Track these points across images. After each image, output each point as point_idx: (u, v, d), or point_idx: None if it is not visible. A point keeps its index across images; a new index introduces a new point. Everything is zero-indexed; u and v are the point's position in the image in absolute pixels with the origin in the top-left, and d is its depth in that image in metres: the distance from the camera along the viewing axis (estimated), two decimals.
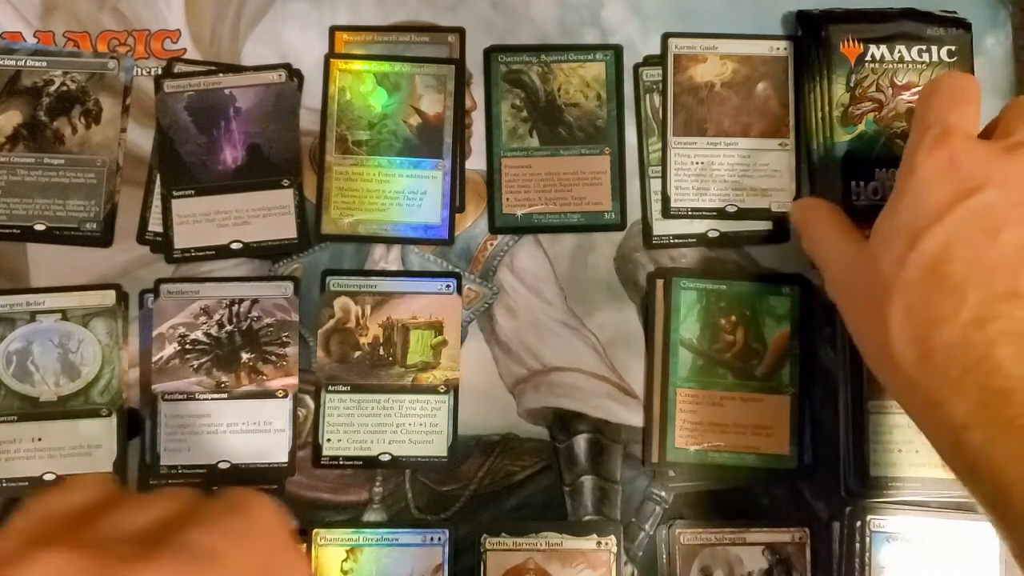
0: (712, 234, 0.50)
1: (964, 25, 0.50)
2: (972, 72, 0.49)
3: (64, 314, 0.48)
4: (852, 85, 0.49)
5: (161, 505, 0.29)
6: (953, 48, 0.49)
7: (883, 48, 0.49)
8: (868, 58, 0.49)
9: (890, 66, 0.49)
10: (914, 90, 0.49)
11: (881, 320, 0.36)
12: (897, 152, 0.48)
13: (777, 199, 0.50)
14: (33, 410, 0.48)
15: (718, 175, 0.50)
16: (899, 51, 0.49)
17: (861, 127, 0.49)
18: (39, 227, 0.49)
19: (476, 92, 0.51)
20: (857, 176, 0.48)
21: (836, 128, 0.49)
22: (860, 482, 0.47)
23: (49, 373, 0.48)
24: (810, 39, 0.50)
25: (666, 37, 0.51)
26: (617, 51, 0.51)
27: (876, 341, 0.37)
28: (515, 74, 0.51)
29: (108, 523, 0.28)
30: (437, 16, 0.51)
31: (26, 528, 0.28)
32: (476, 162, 0.51)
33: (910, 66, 0.49)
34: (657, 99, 0.51)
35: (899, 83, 0.49)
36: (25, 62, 0.50)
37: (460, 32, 0.51)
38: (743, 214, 0.50)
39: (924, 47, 0.49)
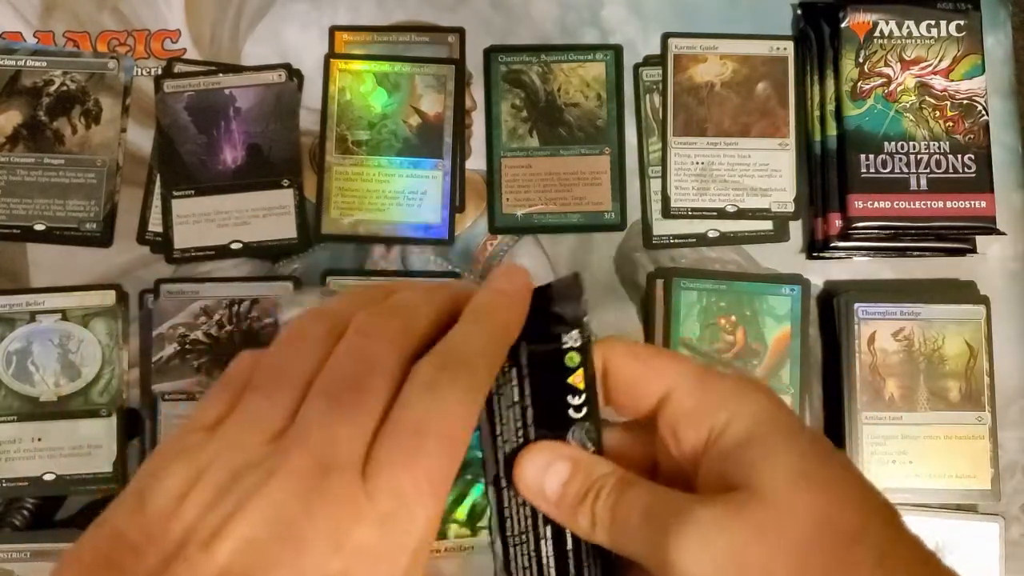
0: (712, 234, 0.50)
1: (973, 0, 0.50)
2: (982, 50, 0.49)
3: (64, 314, 0.48)
4: (861, 60, 0.49)
5: None
6: (962, 23, 0.49)
7: (892, 23, 0.49)
8: (877, 33, 0.49)
9: (898, 41, 0.49)
10: (922, 65, 0.49)
11: None
12: (906, 126, 0.48)
13: (777, 199, 0.50)
14: (33, 410, 0.47)
15: (718, 175, 0.50)
16: (908, 26, 0.49)
17: (870, 102, 0.49)
18: (39, 227, 0.49)
19: (476, 92, 0.51)
20: (867, 149, 0.48)
21: (845, 104, 0.49)
22: None
23: (49, 373, 0.48)
24: (813, 26, 0.50)
25: (666, 37, 0.51)
26: (617, 51, 0.51)
27: None
28: (515, 74, 0.51)
29: None
30: (437, 16, 0.51)
31: None
32: (476, 162, 0.51)
33: (919, 41, 0.49)
34: (657, 99, 0.51)
35: (907, 58, 0.49)
36: (25, 62, 0.50)
37: (460, 32, 0.51)
38: (743, 214, 0.50)
39: (932, 22, 0.49)
